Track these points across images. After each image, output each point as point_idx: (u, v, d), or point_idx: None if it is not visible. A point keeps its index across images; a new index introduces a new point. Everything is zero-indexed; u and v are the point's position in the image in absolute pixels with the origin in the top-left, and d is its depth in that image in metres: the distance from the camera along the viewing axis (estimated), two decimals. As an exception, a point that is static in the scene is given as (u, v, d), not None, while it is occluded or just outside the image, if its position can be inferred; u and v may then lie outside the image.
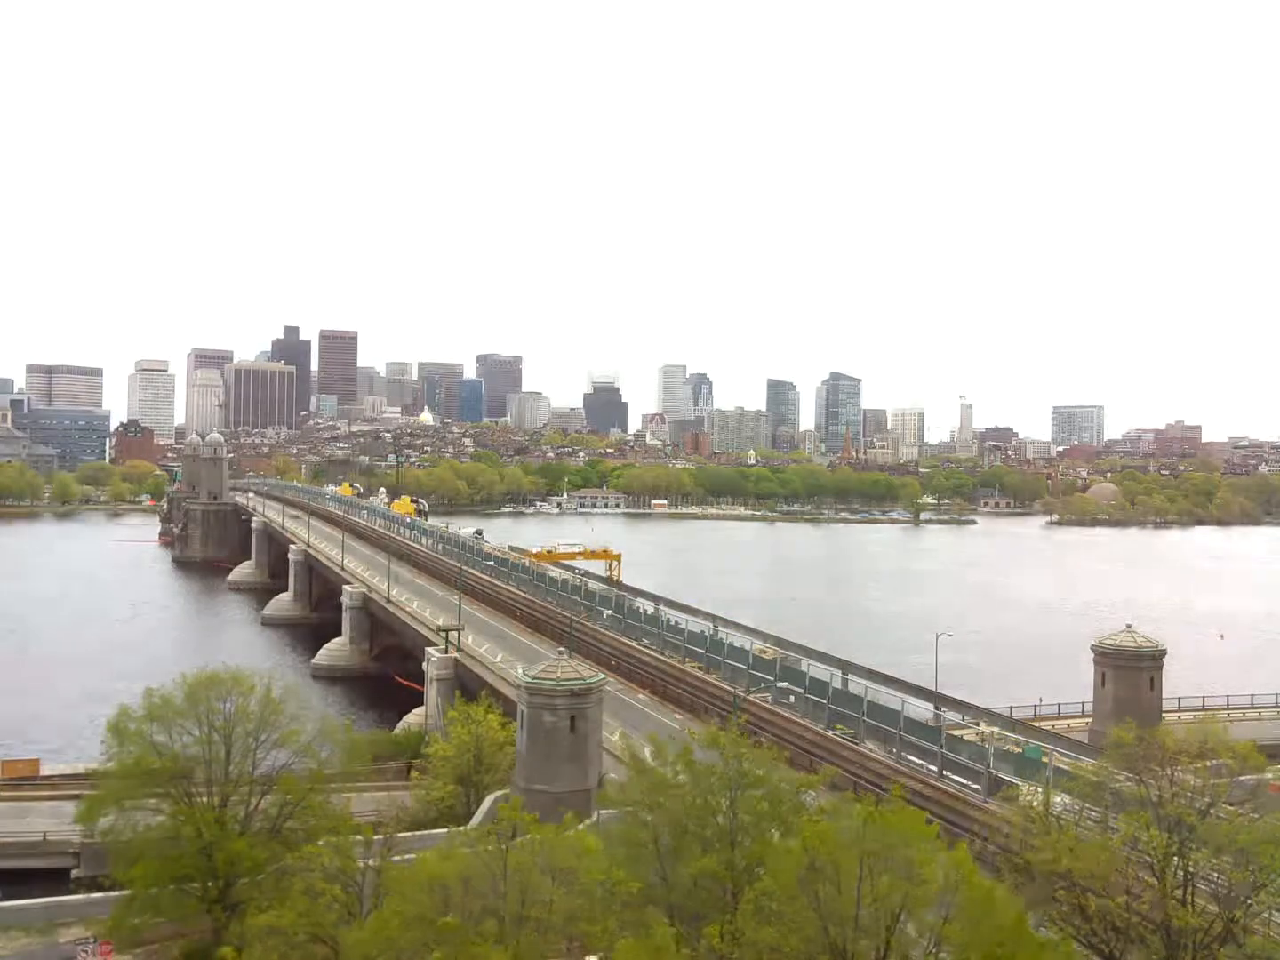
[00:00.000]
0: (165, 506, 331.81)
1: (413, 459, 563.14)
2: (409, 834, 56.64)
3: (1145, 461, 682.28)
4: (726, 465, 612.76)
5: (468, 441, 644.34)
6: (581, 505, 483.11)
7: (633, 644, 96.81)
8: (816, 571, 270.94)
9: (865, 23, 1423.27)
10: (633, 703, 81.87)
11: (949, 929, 33.39)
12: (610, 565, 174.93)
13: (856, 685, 71.23)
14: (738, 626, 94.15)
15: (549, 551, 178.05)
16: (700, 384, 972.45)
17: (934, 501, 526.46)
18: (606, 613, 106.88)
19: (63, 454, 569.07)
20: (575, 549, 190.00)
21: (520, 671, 67.93)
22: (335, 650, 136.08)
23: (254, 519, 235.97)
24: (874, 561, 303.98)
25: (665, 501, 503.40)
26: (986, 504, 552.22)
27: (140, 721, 49.84)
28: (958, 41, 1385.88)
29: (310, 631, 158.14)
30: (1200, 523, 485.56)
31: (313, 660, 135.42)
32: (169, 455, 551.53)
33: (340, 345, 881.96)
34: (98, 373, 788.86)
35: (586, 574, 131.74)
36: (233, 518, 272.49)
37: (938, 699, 70.58)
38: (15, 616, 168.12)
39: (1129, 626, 78.74)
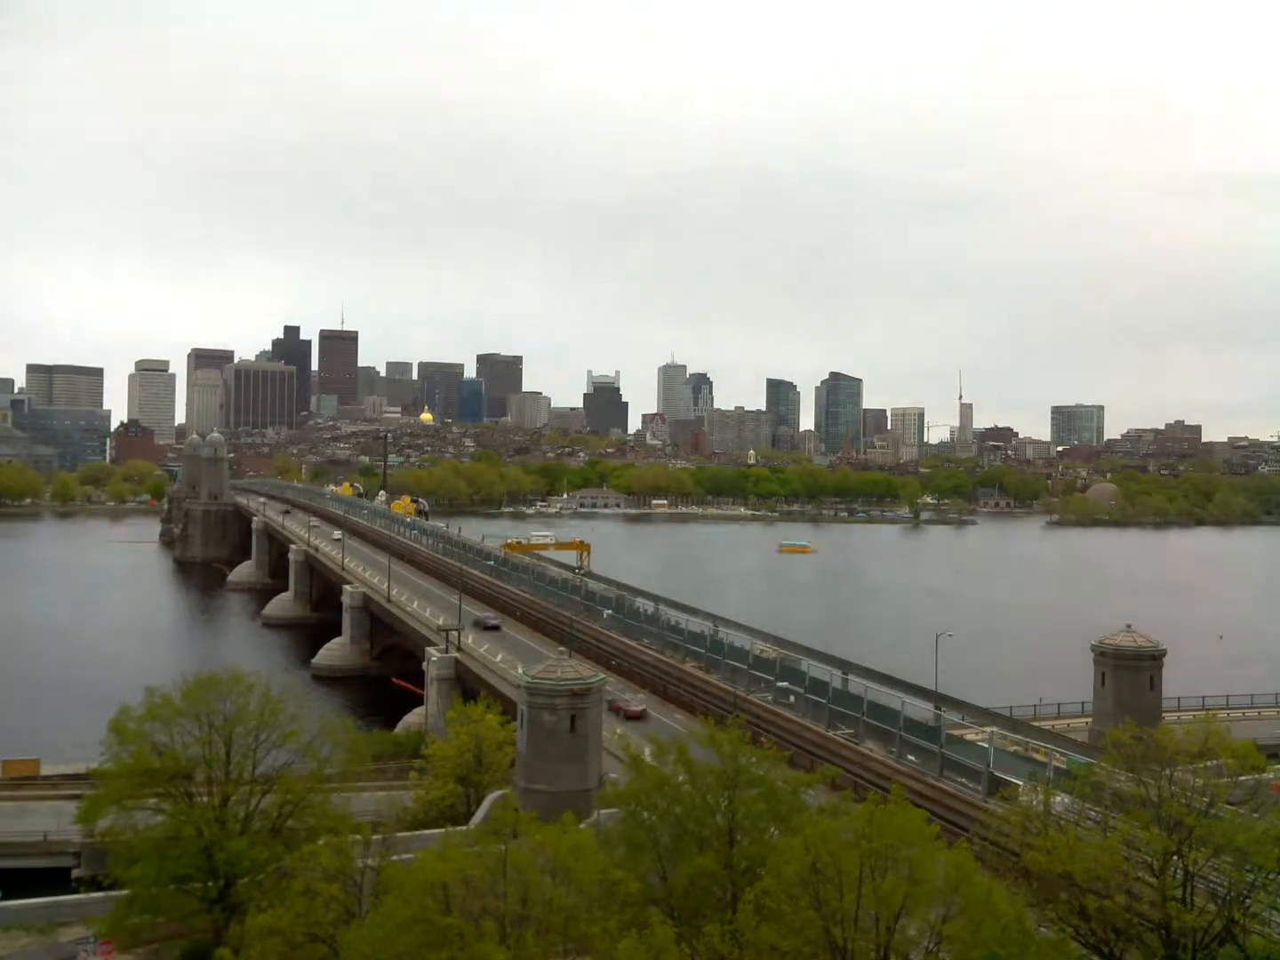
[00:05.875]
0: (166, 506, 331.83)
1: (413, 459, 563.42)
2: (408, 834, 56.71)
3: (1145, 461, 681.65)
4: (726, 465, 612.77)
5: (468, 441, 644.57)
6: (582, 505, 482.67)
7: (633, 644, 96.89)
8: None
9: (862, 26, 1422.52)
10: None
11: (949, 929, 33.45)
12: (580, 555, 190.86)
13: (856, 685, 71.32)
14: (738, 626, 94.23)
15: (519, 543, 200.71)
16: (700, 384, 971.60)
17: (934, 501, 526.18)
18: (607, 612, 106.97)
19: (63, 454, 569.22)
20: (547, 540, 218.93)
21: (520, 671, 68.02)
22: (335, 650, 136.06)
23: (254, 519, 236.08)
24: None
25: (665, 501, 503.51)
26: (986, 504, 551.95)
27: (140, 721, 49.84)
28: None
29: (310, 631, 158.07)
30: (1200, 523, 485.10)
31: (313, 660, 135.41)
32: (169, 455, 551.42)
33: (340, 345, 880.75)
34: (98, 373, 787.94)
35: (589, 574, 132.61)
36: (233, 518, 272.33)
37: (938, 699, 70.64)
38: (15, 617, 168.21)
39: (1129, 627, 78.74)
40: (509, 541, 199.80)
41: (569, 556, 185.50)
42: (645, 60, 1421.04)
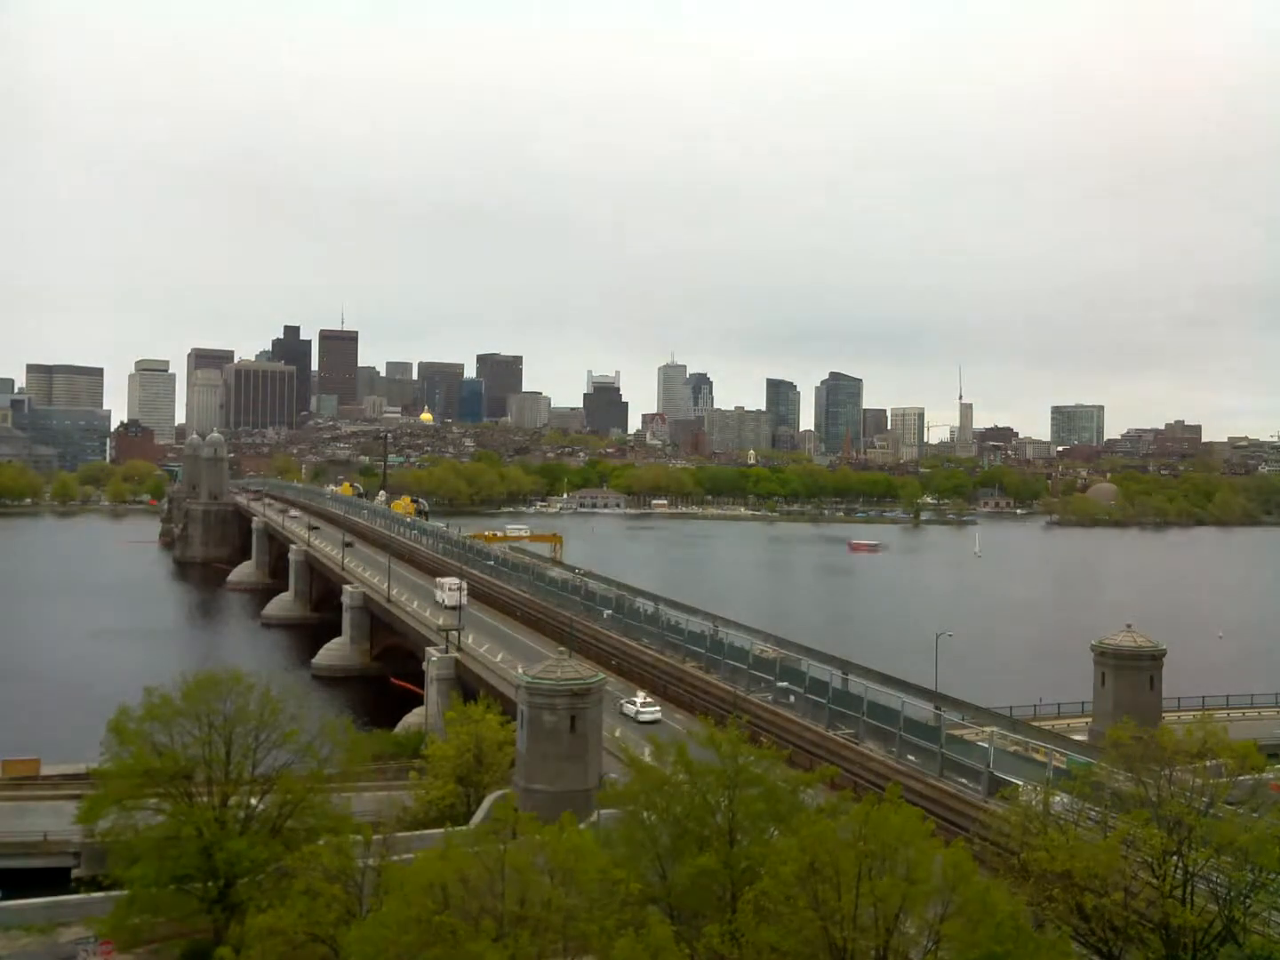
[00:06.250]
0: (166, 507, 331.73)
1: (413, 459, 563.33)
2: (408, 834, 56.71)
3: (1145, 461, 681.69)
4: (726, 465, 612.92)
5: (468, 441, 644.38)
6: (582, 505, 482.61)
7: (633, 644, 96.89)
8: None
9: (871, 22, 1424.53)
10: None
11: (948, 928, 33.44)
12: (554, 547, 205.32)
13: (856, 685, 71.30)
14: (738, 626, 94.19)
15: (494, 535, 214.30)
16: (700, 384, 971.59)
17: (934, 501, 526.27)
18: (607, 612, 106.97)
19: (63, 454, 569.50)
20: (523, 532, 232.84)
21: (520, 671, 68.04)
22: (335, 650, 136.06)
23: (254, 519, 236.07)
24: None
25: (665, 501, 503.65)
26: (986, 504, 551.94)
27: (140, 721, 49.84)
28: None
29: (310, 631, 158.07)
30: (1200, 523, 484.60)
31: (313, 660, 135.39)
32: (169, 455, 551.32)
33: (340, 345, 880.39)
34: (98, 373, 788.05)
35: (589, 573, 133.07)
36: (233, 518, 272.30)
37: (938, 699, 70.63)
38: (15, 617, 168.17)
39: (1129, 627, 78.76)
40: (483, 533, 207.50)
41: (543, 549, 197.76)
42: (637, 55, 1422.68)
